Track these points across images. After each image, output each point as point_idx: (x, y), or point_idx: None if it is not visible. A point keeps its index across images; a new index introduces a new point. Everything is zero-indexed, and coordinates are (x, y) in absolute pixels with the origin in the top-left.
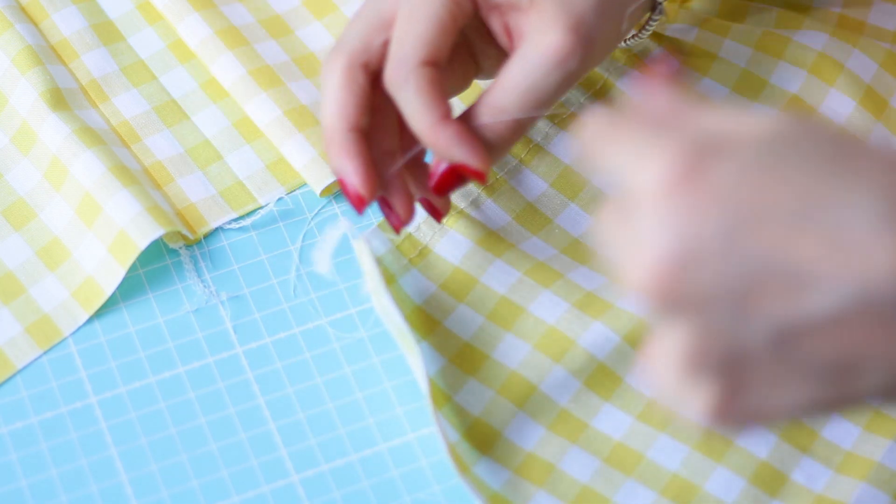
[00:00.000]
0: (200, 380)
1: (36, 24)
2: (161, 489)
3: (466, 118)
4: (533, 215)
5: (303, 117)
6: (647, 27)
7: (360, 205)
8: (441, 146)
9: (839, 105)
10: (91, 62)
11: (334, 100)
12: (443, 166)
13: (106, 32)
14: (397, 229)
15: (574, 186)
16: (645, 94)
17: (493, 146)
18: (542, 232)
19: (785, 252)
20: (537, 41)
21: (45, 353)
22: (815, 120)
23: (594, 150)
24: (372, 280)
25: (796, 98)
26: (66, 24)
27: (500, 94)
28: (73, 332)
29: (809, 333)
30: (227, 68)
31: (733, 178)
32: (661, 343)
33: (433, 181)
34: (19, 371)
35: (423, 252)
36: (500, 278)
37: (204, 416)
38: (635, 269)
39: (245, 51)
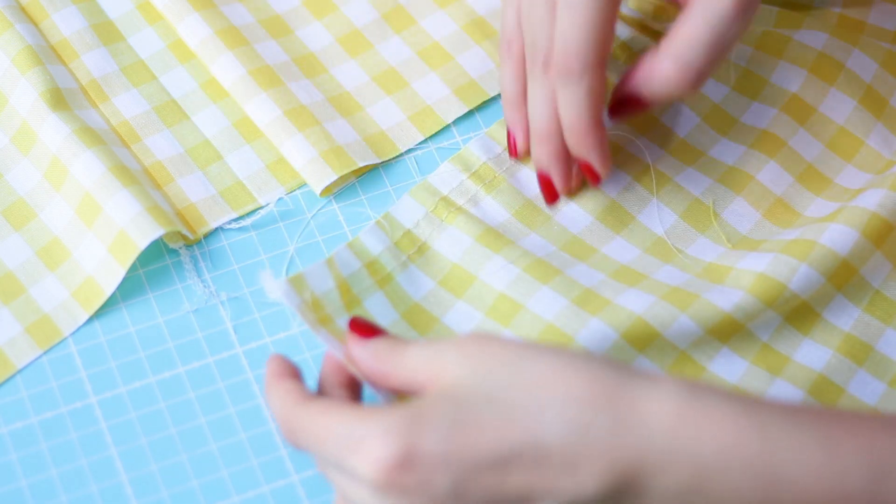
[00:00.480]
0: (200, 380)
1: (36, 24)
2: (161, 489)
3: (649, 56)
4: (532, 212)
5: (303, 117)
6: None
7: (554, 200)
8: (583, 147)
9: (839, 104)
10: (91, 62)
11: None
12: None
13: (106, 32)
14: (554, 201)
15: None
16: (347, 358)
17: (667, 97)
18: (540, 229)
19: (502, 488)
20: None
21: (45, 353)
22: (491, 350)
23: (299, 427)
24: (306, 321)
25: (796, 97)
26: (66, 24)
27: (684, 48)
28: (73, 332)
29: None
30: (227, 68)
31: (442, 446)
32: None
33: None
34: (19, 371)
35: (422, 248)
36: (498, 274)
37: (204, 416)
38: None
39: (245, 51)
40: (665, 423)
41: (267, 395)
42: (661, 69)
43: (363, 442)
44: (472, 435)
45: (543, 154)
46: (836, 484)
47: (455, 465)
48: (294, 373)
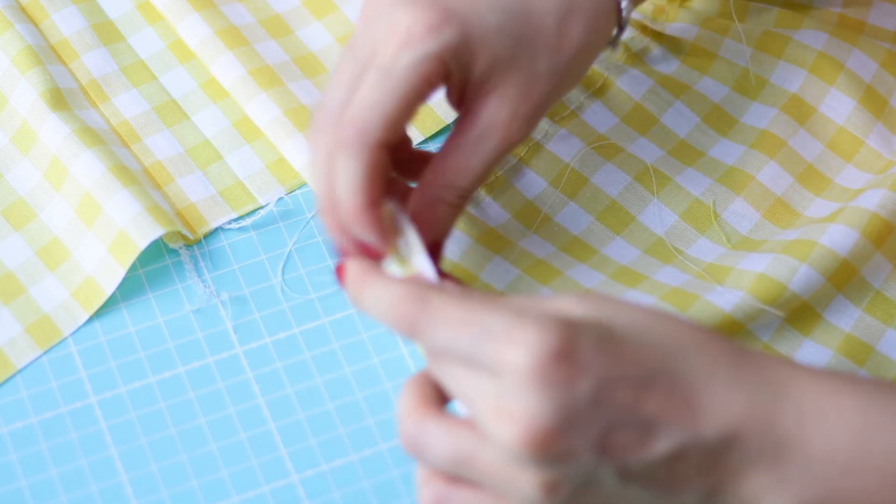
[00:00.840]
0: (200, 380)
1: (36, 24)
2: (161, 489)
3: (423, 191)
4: (532, 213)
5: (302, 117)
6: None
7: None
8: (357, 227)
9: (839, 104)
10: (91, 62)
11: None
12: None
13: (106, 32)
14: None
15: (573, 184)
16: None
17: (446, 218)
18: (541, 230)
19: (635, 408)
20: (497, 132)
21: (45, 353)
22: (612, 301)
23: (430, 313)
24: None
25: (796, 97)
26: (66, 24)
27: (456, 177)
28: (73, 332)
29: (648, 472)
30: (227, 68)
31: (593, 355)
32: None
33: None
34: (19, 371)
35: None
36: (498, 275)
37: (204, 416)
38: (520, 434)
39: (245, 51)
40: (774, 384)
41: (371, 290)
42: (433, 191)
43: (518, 330)
44: (619, 350)
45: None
46: None
47: (602, 371)
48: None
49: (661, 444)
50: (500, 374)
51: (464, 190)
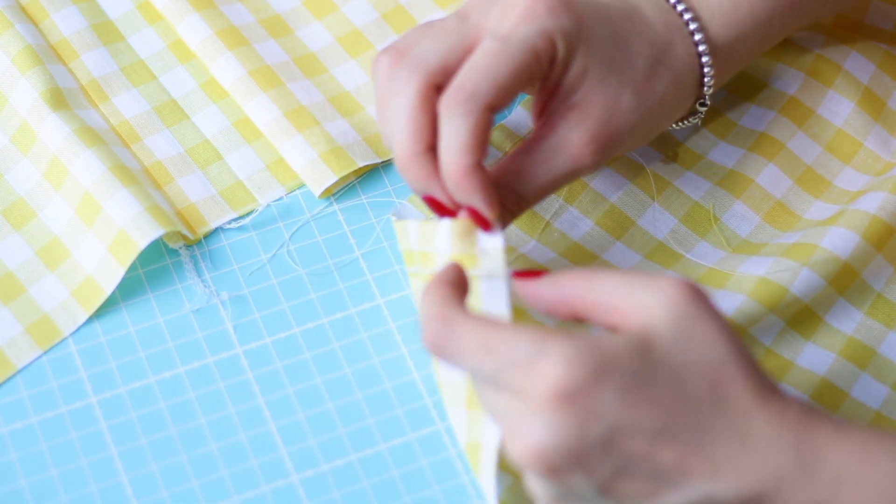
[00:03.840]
0: (200, 380)
1: (36, 24)
2: (161, 489)
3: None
4: (531, 220)
5: (302, 118)
6: (689, 120)
7: (449, 213)
8: (464, 191)
9: (837, 106)
10: (91, 62)
11: (412, 119)
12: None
13: (106, 32)
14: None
15: (572, 190)
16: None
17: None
18: (540, 235)
19: (648, 459)
20: (570, 148)
21: (45, 353)
22: (699, 307)
23: (457, 335)
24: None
25: (794, 100)
26: (66, 24)
27: (518, 180)
28: (73, 332)
29: None
30: (227, 68)
31: (613, 398)
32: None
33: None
34: (19, 371)
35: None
36: None
37: (204, 416)
38: (524, 449)
39: (245, 51)
40: (812, 447)
41: (425, 294)
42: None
43: (541, 361)
44: (646, 399)
45: (411, 175)
46: None
47: (619, 419)
48: (463, 287)
49: (672, 499)
50: (520, 398)
51: (521, 197)
